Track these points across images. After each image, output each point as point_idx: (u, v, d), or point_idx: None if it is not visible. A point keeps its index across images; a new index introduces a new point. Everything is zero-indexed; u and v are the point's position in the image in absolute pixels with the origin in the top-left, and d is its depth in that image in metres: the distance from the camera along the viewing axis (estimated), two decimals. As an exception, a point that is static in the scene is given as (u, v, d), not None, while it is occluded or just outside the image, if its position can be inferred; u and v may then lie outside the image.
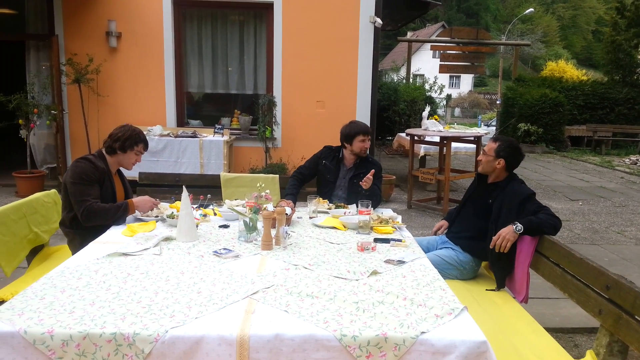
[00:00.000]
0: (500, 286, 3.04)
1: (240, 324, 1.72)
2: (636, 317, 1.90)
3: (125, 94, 7.53)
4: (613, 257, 5.38)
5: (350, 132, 3.76)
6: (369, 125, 7.37)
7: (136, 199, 3.18)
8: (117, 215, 3.03)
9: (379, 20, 7.37)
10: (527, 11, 38.15)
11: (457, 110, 39.45)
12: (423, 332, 1.71)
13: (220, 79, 8.01)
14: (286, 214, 2.88)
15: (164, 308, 1.82)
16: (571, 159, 14.34)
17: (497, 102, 19.88)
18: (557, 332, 3.60)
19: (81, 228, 3.08)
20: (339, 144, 3.91)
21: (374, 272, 2.28)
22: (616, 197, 8.77)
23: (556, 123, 15.57)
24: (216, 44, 7.89)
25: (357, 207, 3.02)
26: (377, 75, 7.82)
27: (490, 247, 2.89)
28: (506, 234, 2.81)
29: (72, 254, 3.01)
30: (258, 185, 2.91)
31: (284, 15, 7.46)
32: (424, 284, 2.16)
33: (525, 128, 15.24)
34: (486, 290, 3.05)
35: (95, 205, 2.97)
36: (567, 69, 23.12)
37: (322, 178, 3.88)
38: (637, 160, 13.59)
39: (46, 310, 1.78)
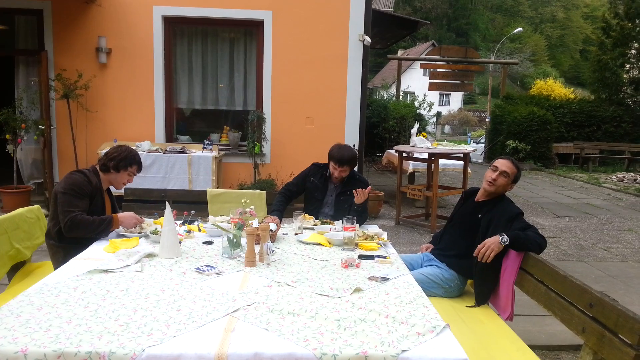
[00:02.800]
0: (480, 302, 3.03)
1: (219, 343, 1.70)
2: (619, 335, 1.90)
3: (114, 109, 7.52)
4: (599, 273, 5.40)
5: (329, 154, 3.78)
6: (357, 142, 7.49)
7: (121, 215, 3.17)
8: (100, 228, 3.02)
9: (367, 39, 7.44)
10: (515, 30, 38.71)
11: (447, 128, 39.82)
12: (404, 350, 1.69)
13: (210, 95, 8.02)
14: (271, 230, 2.87)
15: (142, 326, 1.79)
16: (559, 175, 14.47)
17: (487, 119, 20.09)
18: (543, 349, 3.59)
19: (65, 242, 3.07)
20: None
21: (357, 289, 2.26)
22: (603, 214, 8.84)
23: (544, 140, 15.74)
24: (206, 61, 7.92)
25: (343, 223, 3.01)
26: (366, 92, 7.87)
27: (474, 254, 2.87)
28: (491, 244, 2.80)
29: (54, 269, 2.99)
30: (242, 201, 2.89)
31: (274, 33, 7.51)
32: (406, 301, 2.14)
33: (514, 145, 15.39)
34: (466, 306, 3.04)
35: (79, 216, 2.97)
36: (555, 87, 23.52)
37: (310, 195, 3.88)
38: (624, 177, 13.74)
39: (21, 328, 1.75)
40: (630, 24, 17.15)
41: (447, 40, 50.10)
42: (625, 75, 17.84)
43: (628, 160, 16.00)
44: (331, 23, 7.51)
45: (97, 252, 2.73)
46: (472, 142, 23.66)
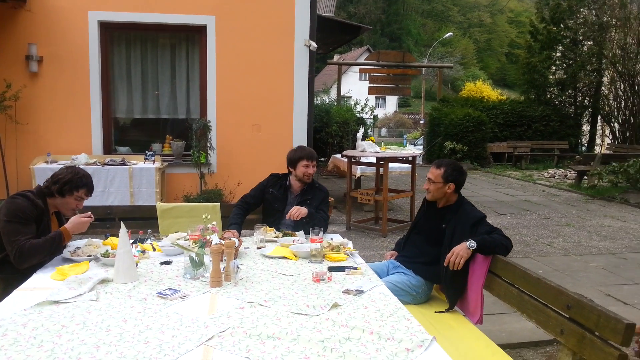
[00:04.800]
0: (450, 307, 3.03)
1: (198, 377, 1.55)
2: (598, 335, 1.91)
3: (47, 121, 7.03)
4: (546, 268, 5.59)
5: (295, 156, 3.70)
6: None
7: (68, 225, 2.91)
8: (53, 247, 2.78)
9: (313, 44, 7.39)
10: (446, 35, 40.04)
11: (383, 130, 40.59)
12: (396, 370, 1.62)
13: (150, 103, 7.69)
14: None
15: (108, 365, 1.61)
16: (495, 174, 15.03)
17: (421, 121, 20.61)
18: (505, 348, 3.59)
19: (5, 272, 2.78)
20: (281, 170, 3.82)
21: (335, 305, 2.17)
22: (541, 209, 9.22)
23: (479, 141, 16.33)
24: (146, 68, 7.58)
25: (308, 234, 2.91)
26: (313, 98, 7.81)
27: (445, 264, 2.85)
28: (459, 251, 2.80)
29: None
30: (204, 216, 2.73)
31: (218, 39, 7.30)
32: (387, 315, 2.07)
33: (451, 146, 15.84)
34: (435, 312, 3.02)
35: (27, 243, 2.70)
36: (484, 89, 24.48)
37: (270, 207, 3.76)
38: (555, 173, 14.46)
39: (-35, 378, 1.53)
40: (555, 28, 18.12)
41: (381, 45, 51.14)
42: (551, 77, 18.83)
43: (557, 157, 16.87)
44: (276, 29, 7.40)
45: (43, 281, 2.48)
46: (408, 144, 24.18)
